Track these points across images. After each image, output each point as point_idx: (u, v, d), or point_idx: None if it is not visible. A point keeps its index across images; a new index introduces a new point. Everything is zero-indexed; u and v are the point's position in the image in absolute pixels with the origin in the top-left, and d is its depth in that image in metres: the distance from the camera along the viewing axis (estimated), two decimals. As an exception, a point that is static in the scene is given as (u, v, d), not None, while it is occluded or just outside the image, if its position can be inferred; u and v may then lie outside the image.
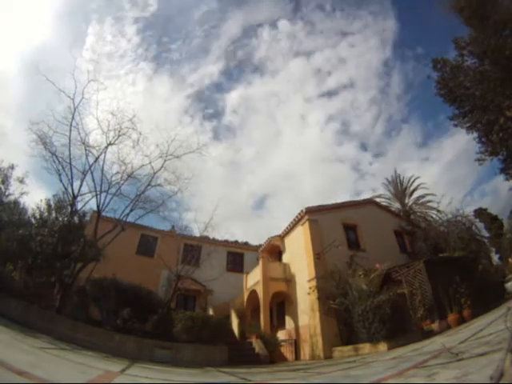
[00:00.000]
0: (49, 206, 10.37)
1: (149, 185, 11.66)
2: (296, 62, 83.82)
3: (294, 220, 14.02)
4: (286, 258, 14.81)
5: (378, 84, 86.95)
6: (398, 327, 7.91)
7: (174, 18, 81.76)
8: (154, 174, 11.87)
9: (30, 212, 10.94)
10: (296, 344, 11.69)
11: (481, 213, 30.07)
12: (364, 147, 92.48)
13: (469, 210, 15.97)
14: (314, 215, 13.11)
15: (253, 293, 13.94)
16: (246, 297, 14.82)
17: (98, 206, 10.83)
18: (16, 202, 11.39)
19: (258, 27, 79.32)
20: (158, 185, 11.96)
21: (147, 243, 16.87)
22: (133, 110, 11.82)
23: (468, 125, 13.15)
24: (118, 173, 11.44)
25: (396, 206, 20.66)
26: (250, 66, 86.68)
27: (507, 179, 12.91)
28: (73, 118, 10.75)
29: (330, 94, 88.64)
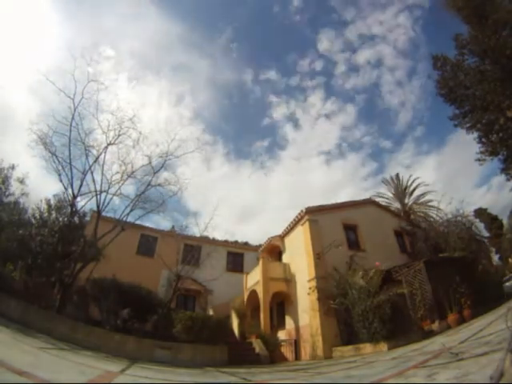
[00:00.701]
0: (49, 206, 10.38)
1: (149, 185, 11.67)
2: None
3: (294, 220, 14.01)
4: (285, 258, 14.80)
5: (405, 65, 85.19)
6: (398, 327, 7.90)
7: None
8: (154, 174, 11.89)
9: (30, 212, 10.94)
10: (296, 344, 11.68)
11: (481, 213, 30.11)
12: (386, 136, 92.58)
13: (469, 210, 15.94)
14: (314, 215, 13.09)
15: (253, 293, 13.93)
16: (246, 297, 14.82)
17: (97, 206, 10.83)
18: (16, 202, 11.38)
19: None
20: (158, 185, 11.97)
21: (147, 243, 16.87)
22: (132, 109, 11.85)
23: (468, 125, 13.13)
24: (118, 173, 11.45)
25: (396, 205, 20.66)
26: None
27: (508, 179, 12.89)
28: (73, 118, 10.75)
29: (357, 70, 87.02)
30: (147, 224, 17.40)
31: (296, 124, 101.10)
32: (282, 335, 12.83)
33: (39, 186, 23.90)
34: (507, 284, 13.71)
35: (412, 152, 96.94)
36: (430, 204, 19.14)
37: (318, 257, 11.64)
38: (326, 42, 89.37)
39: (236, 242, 28.12)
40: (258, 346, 10.30)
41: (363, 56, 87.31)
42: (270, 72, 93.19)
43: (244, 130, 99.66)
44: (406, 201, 20.67)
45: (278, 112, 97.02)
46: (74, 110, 10.77)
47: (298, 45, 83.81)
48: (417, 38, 79.79)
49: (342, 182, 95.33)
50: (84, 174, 10.68)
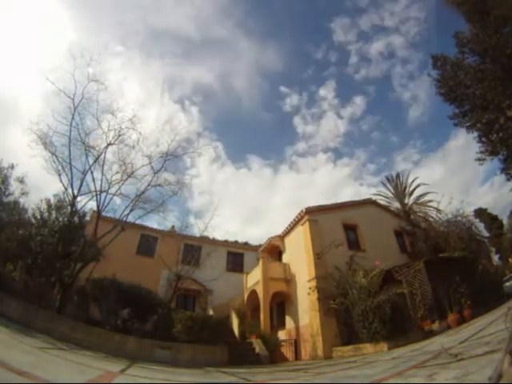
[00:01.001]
0: (49, 205, 10.36)
1: (149, 185, 11.67)
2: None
3: (294, 220, 14.01)
4: (286, 258, 14.80)
5: (417, 59, 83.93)
6: (398, 327, 7.89)
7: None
8: (154, 174, 11.90)
9: (29, 212, 10.95)
10: (296, 344, 11.68)
11: (481, 213, 30.09)
12: (395, 131, 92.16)
13: (469, 210, 15.92)
14: (314, 215, 13.09)
15: (253, 293, 13.93)
16: (246, 297, 14.82)
17: (98, 206, 10.84)
18: (16, 202, 11.39)
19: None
20: (158, 185, 11.97)
21: (147, 243, 16.84)
22: (132, 109, 11.86)
23: (468, 124, 13.09)
24: (118, 173, 11.46)
25: (396, 205, 20.65)
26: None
27: (508, 179, 12.86)
28: (73, 118, 10.78)
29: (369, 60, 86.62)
30: (148, 224, 17.45)
31: (304, 118, 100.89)
32: (282, 335, 12.83)
33: (39, 186, 23.92)
34: (507, 284, 13.70)
35: (420, 148, 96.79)
36: (429, 204, 19.14)
37: (318, 257, 11.64)
38: (339, 31, 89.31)
39: (236, 242, 28.12)
40: (258, 346, 10.30)
41: (375, 47, 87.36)
42: (278, 65, 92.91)
43: (251, 126, 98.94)
44: (406, 201, 20.66)
45: (288, 105, 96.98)
46: (74, 110, 10.81)
47: (312, 35, 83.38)
48: (429, 29, 79.28)
49: (349, 179, 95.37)
50: (84, 173, 10.70)
